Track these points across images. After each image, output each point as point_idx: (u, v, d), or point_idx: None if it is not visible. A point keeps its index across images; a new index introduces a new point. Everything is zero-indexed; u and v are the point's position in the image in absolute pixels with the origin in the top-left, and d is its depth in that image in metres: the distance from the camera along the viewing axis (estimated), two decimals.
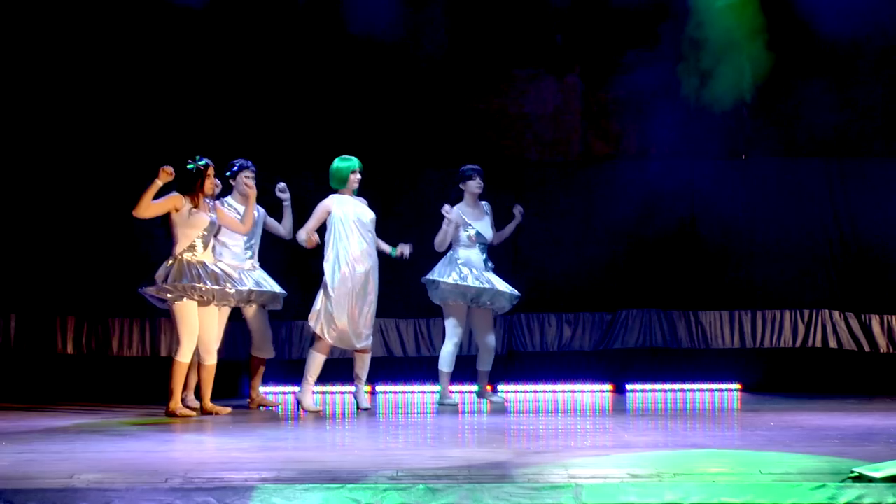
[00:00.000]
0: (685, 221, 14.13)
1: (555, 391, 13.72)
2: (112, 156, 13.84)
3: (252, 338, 12.31)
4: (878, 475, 7.19)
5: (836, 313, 14.07)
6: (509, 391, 13.81)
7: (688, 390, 13.73)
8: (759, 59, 14.04)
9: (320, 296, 11.80)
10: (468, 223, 12.39)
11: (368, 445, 10.00)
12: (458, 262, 12.39)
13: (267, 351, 12.35)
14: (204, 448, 9.60)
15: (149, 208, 11.08)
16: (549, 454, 9.10)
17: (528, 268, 13.90)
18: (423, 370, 13.90)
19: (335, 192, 11.97)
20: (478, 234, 12.41)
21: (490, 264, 12.48)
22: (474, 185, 12.41)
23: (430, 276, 12.44)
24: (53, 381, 13.81)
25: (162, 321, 13.96)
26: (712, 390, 13.81)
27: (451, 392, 12.67)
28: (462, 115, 14.34)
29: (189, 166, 11.31)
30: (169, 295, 11.22)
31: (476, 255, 12.43)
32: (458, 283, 12.28)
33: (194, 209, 11.27)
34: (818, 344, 14.08)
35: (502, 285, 12.43)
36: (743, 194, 14.07)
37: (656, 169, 14.14)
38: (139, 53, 13.84)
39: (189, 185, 11.27)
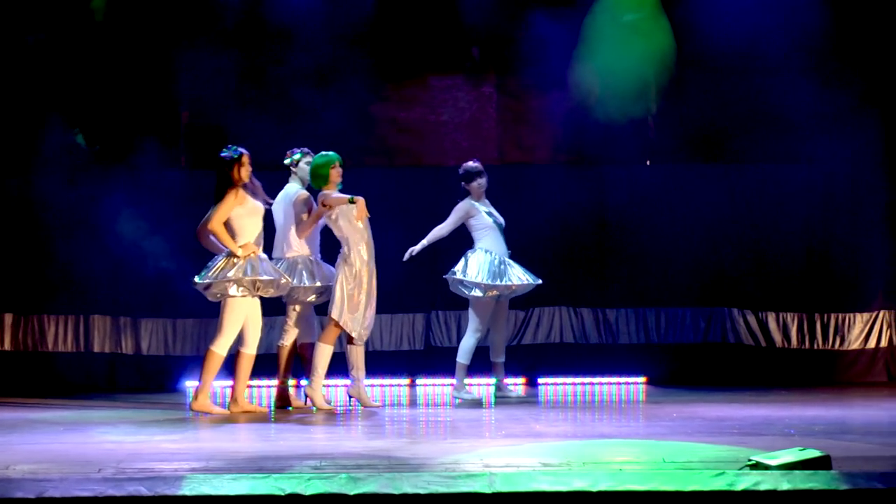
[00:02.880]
0: (595, 224, 14.19)
1: (470, 384, 13.71)
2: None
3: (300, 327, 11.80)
4: (773, 463, 7.26)
5: (734, 311, 14.19)
6: (428, 385, 13.81)
7: (596, 383, 13.79)
8: (664, 71, 14.14)
9: (341, 289, 11.38)
10: (487, 211, 12.17)
11: (295, 437, 9.97)
12: (488, 258, 12.04)
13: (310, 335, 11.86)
14: (136, 440, 9.53)
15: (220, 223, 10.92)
16: (464, 444, 9.12)
17: (444, 266, 13.90)
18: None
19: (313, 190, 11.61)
20: (495, 218, 12.16)
21: (508, 250, 12.26)
22: (477, 186, 12.22)
23: (459, 276, 11.98)
24: None
25: (94, 318, 13.87)
26: (619, 383, 13.87)
27: (470, 386, 12.39)
28: (383, 123, 14.31)
29: (224, 154, 11.07)
30: (240, 289, 10.93)
31: (499, 242, 12.13)
32: (497, 283, 11.95)
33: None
34: (718, 339, 14.19)
35: (525, 276, 12.09)
36: (648, 198, 14.13)
37: (567, 174, 14.20)
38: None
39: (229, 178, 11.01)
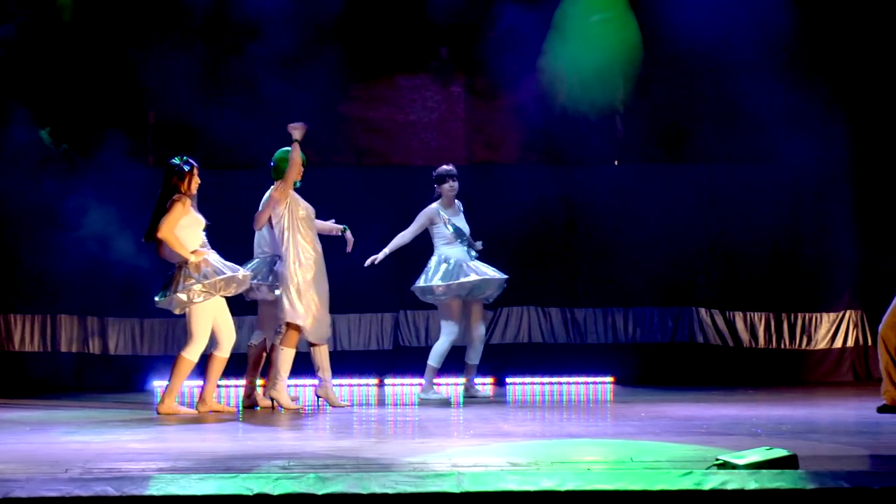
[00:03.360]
0: (562, 224, 14.22)
1: (439, 384, 13.71)
2: None
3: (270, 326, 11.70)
4: (741, 462, 7.27)
5: (702, 310, 14.22)
6: (396, 384, 13.79)
7: (564, 383, 13.80)
8: (631, 71, 14.17)
9: (295, 290, 11.28)
10: (449, 220, 12.21)
11: (263, 437, 9.95)
12: (445, 261, 12.13)
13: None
14: (103, 440, 9.49)
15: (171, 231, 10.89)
16: (433, 443, 9.12)
17: (413, 265, 13.90)
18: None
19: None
20: (457, 229, 12.20)
21: (474, 254, 12.23)
22: (448, 188, 12.23)
23: (420, 284, 12.09)
24: None
25: (61, 318, 13.81)
26: (587, 383, 13.88)
27: (438, 386, 12.41)
28: (352, 122, 14.29)
29: (175, 164, 11.03)
30: (201, 294, 10.88)
31: (459, 251, 12.19)
32: (451, 282, 12.02)
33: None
34: (686, 339, 14.23)
35: (490, 271, 12.15)
36: (616, 199, 14.16)
37: (535, 174, 14.22)
38: None
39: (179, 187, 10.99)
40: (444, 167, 12.24)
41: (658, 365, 14.13)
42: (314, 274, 11.32)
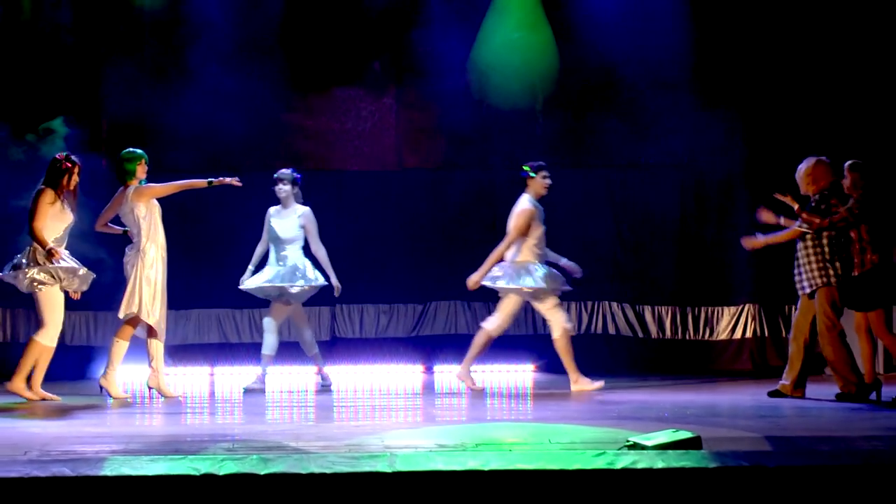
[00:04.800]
0: (487, 225, 14.21)
1: (373, 372, 13.72)
2: None
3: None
4: (649, 443, 7.34)
5: (614, 304, 14.30)
6: (332, 373, 13.75)
7: (489, 371, 13.82)
8: (548, 83, 14.22)
9: (144, 283, 11.05)
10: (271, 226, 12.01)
11: (208, 421, 9.92)
12: (270, 264, 11.96)
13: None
14: (59, 425, 9.41)
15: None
16: (367, 427, 9.12)
17: (349, 263, 13.89)
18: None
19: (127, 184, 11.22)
20: (271, 231, 11.94)
21: (284, 262, 11.92)
22: (277, 190, 11.94)
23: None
24: None
25: (19, 311, 13.64)
26: (510, 371, 13.92)
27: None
28: (292, 130, 14.24)
29: (58, 159, 10.86)
30: (49, 278, 10.65)
31: (272, 252, 11.98)
32: (263, 285, 11.87)
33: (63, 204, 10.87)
34: (599, 331, 14.30)
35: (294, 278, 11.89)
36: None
37: (461, 179, 14.23)
38: None
39: (56, 180, 10.81)
40: (282, 170, 12.03)
41: (575, 354, 14.13)
42: (161, 267, 11.16)
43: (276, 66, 13.74)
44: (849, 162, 10.86)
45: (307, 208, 12.00)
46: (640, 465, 6.61)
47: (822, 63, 13.63)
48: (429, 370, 13.98)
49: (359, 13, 13.95)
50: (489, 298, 14.18)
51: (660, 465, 6.63)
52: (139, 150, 11.32)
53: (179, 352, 13.56)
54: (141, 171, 11.23)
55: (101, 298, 12.57)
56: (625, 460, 6.69)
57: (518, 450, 7.72)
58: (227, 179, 11.25)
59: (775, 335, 14.10)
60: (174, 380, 12.71)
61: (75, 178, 10.90)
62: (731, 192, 14.21)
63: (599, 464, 6.66)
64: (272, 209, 12.05)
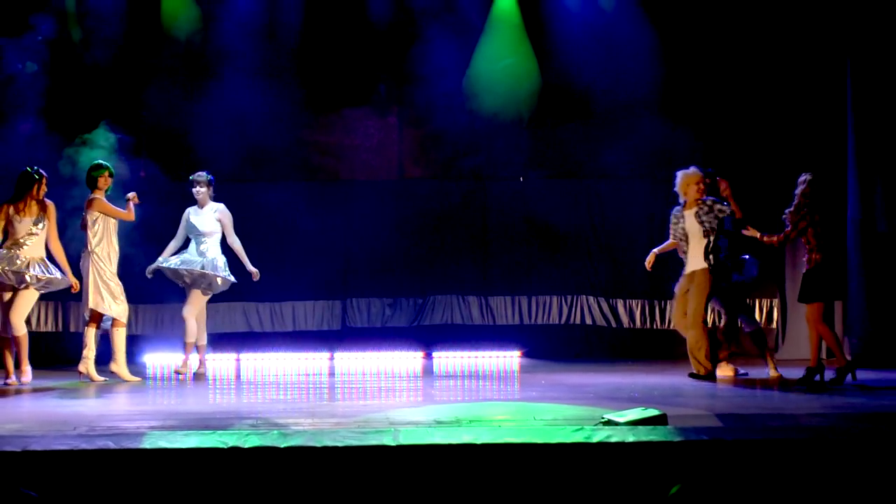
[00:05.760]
0: (478, 228, 14.25)
1: (379, 358, 13.73)
2: None
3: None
4: (622, 420, 7.37)
5: (591, 298, 14.30)
6: (344, 359, 13.77)
7: (480, 357, 13.83)
8: (533, 104, 14.24)
9: (105, 281, 10.89)
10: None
11: (234, 401, 9.93)
12: (191, 254, 11.47)
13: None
14: (104, 403, 9.44)
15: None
16: (374, 406, 9.14)
17: (357, 261, 13.93)
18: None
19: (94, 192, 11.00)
20: (189, 226, 11.51)
21: (205, 254, 11.43)
22: (197, 193, 11.52)
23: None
24: None
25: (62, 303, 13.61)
26: (499, 356, 13.93)
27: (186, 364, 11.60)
28: (308, 145, 14.26)
29: (31, 171, 10.66)
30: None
31: (193, 247, 11.49)
32: (180, 268, 11.33)
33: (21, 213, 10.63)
34: (578, 321, 14.29)
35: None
36: (522, 207, 14.22)
37: (455, 188, 14.25)
38: None
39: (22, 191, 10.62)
40: (198, 173, 11.58)
41: (556, 342, 14.20)
42: (115, 263, 11.02)
43: (293, 88, 13.76)
44: (803, 175, 10.92)
45: (222, 205, 11.54)
46: (613, 439, 6.64)
47: (771, 90, 13.65)
48: (428, 356, 13.98)
49: (365, 41, 13.95)
50: (481, 293, 14.24)
51: (631, 438, 6.66)
52: (106, 163, 11.12)
53: (212, 340, 13.53)
54: (103, 182, 10.99)
55: (138, 291, 12.41)
56: (600, 435, 6.72)
57: (506, 425, 7.75)
58: (130, 195, 11.07)
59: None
60: (211, 364, 12.56)
61: (44, 189, 10.65)
62: None
63: (578, 438, 6.69)
64: (190, 209, 11.58)
